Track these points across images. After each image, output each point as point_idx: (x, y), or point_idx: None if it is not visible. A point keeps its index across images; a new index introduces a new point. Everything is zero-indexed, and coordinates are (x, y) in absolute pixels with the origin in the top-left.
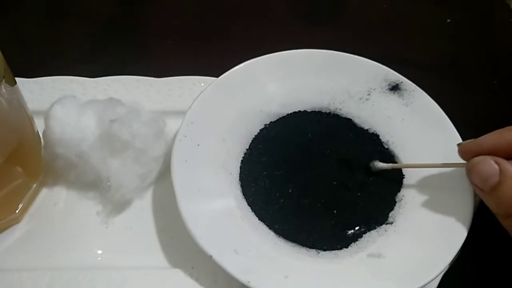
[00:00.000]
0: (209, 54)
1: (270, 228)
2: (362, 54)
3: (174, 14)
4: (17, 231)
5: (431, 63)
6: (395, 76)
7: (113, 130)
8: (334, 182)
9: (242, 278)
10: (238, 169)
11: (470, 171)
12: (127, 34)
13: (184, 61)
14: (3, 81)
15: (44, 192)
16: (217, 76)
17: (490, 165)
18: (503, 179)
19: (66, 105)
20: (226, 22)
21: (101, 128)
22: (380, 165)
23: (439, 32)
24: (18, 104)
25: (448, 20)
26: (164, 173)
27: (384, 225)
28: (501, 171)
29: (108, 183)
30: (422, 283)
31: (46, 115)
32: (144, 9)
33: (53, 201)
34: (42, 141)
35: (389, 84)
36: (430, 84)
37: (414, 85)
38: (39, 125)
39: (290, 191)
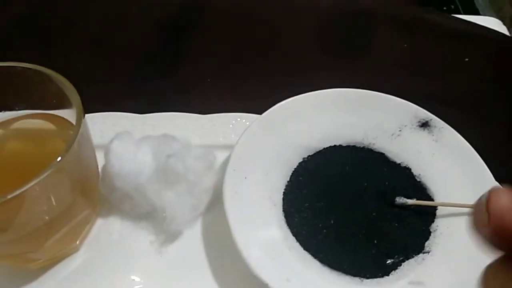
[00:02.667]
0: (244, 91)
1: (315, 258)
2: (387, 89)
3: (212, 53)
4: (76, 260)
5: (451, 98)
6: (425, 114)
7: (169, 165)
8: (373, 214)
9: None
10: (281, 200)
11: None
12: (169, 71)
13: (223, 98)
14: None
15: (100, 222)
16: (254, 112)
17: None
18: None
19: (124, 140)
20: (259, 60)
21: (157, 163)
22: (404, 200)
23: (457, 70)
24: (88, 139)
25: (466, 59)
26: (213, 204)
27: (421, 254)
28: None
29: (164, 214)
30: None
31: (106, 150)
32: (185, 47)
33: (108, 231)
34: (100, 174)
35: (419, 121)
36: (451, 117)
37: (442, 122)
38: None
39: (332, 221)
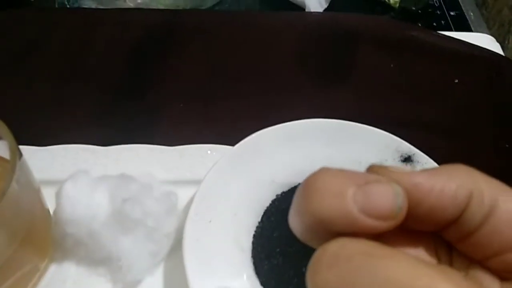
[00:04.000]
0: (216, 119)
1: None
2: (369, 116)
3: (182, 78)
4: None
5: (438, 124)
6: (407, 148)
7: (125, 210)
8: None
9: None
10: (251, 244)
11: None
12: (136, 98)
13: (194, 125)
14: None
15: (53, 268)
16: (227, 143)
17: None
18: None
19: (78, 182)
20: (233, 85)
21: (113, 206)
22: None
23: (446, 92)
24: (28, 182)
25: (456, 81)
26: (175, 249)
27: None
28: None
29: (119, 263)
30: None
31: (57, 194)
32: (152, 72)
33: (62, 279)
34: (52, 218)
35: (401, 156)
36: (438, 146)
37: (426, 157)
38: (51, 196)
39: (303, 269)
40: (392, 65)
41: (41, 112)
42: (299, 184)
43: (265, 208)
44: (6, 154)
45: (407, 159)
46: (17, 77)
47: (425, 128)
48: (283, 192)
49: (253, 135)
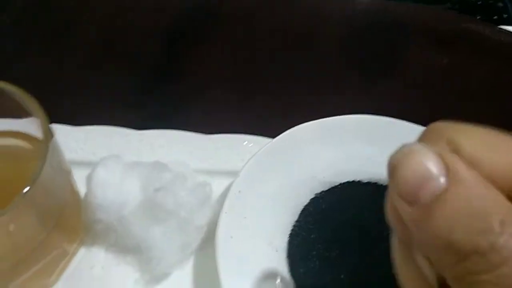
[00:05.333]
0: (253, 109)
1: None
2: (417, 115)
3: (220, 64)
4: None
5: (496, 128)
6: None
7: (158, 200)
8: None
9: None
10: (286, 244)
11: (392, 173)
12: (171, 83)
13: (230, 114)
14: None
15: (81, 253)
16: (264, 135)
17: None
18: (452, 187)
19: (109, 167)
20: (273, 74)
21: (144, 195)
22: None
23: (506, 93)
24: (59, 164)
25: None
26: (206, 242)
27: None
28: (449, 172)
29: (149, 254)
30: None
31: (88, 178)
32: (188, 57)
33: (89, 264)
34: (83, 202)
35: None
36: None
37: None
38: (81, 178)
39: (342, 276)
40: (445, 61)
41: (74, 92)
42: (340, 184)
43: (302, 207)
44: (37, 132)
45: None
46: (51, 57)
47: None
48: (323, 192)
49: (294, 128)
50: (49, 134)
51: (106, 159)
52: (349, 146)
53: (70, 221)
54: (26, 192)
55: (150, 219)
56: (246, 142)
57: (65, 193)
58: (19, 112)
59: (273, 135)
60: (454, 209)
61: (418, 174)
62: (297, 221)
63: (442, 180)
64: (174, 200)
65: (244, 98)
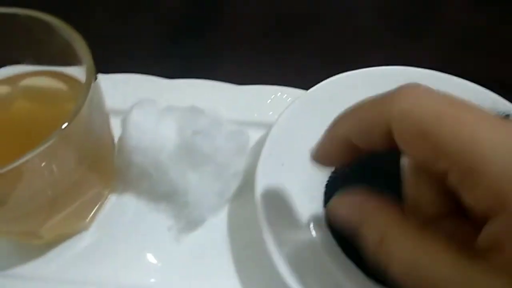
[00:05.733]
0: (286, 62)
1: (359, 268)
2: (456, 73)
3: (253, 17)
4: (85, 240)
5: None
6: (505, 106)
7: (196, 143)
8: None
9: None
10: (322, 195)
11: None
12: (202, 33)
13: (261, 68)
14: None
15: (114, 199)
16: (299, 87)
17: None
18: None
19: (145, 110)
20: (308, 28)
21: (181, 139)
22: None
23: None
24: (100, 105)
25: None
26: (242, 190)
27: None
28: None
29: (186, 199)
30: None
31: (124, 119)
32: (220, 9)
33: (122, 210)
34: (116, 146)
35: (498, 114)
36: None
37: None
38: (113, 125)
39: None
40: (482, 19)
41: (102, 42)
42: None
43: None
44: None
45: (505, 118)
46: (79, 8)
47: None
48: None
49: (334, 77)
50: (93, 72)
51: (142, 102)
52: None
53: (105, 163)
54: (65, 127)
55: (187, 164)
56: (280, 93)
57: (103, 135)
58: (64, 51)
59: (307, 88)
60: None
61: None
62: (333, 172)
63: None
64: (212, 145)
65: (278, 50)
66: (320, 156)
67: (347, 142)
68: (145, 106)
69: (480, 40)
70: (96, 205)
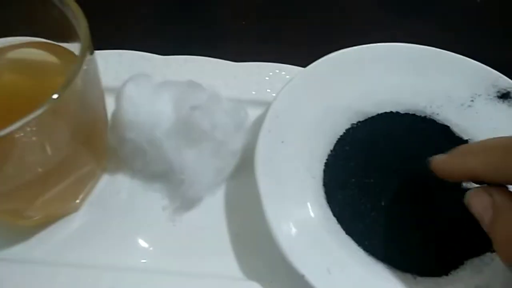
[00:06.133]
0: (287, 39)
1: (359, 245)
2: (456, 51)
3: None
4: (75, 222)
5: None
6: (507, 83)
7: (194, 119)
8: (434, 198)
9: None
10: (322, 173)
11: (468, 205)
12: (199, 9)
13: (261, 44)
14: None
15: (106, 179)
16: (297, 64)
17: (482, 199)
18: (496, 215)
19: (140, 84)
20: (307, 5)
21: (178, 114)
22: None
23: None
24: (95, 79)
25: None
26: (239, 169)
27: (489, 253)
28: (494, 204)
29: (182, 177)
30: None
31: (118, 93)
32: None
33: (115, 190)
34: (109, 122)
35: (498, 91)
36: None
37: None
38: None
39: (382, 203)
40: (478, 1)
41: (95, 18)
42: (377, 114)
43: (338, 136)
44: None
45: (505, 96)
46: None
47: None
48: (359, 122)
49: (332, 54)
50: (88, 42)
51: (136, 76)
52: (388, 75)
53: (98, 140)
54: (57, 98)
55: (184, 140)
56: (278, 70)
57: (97, 111)
58: (60, 22)
59: (305, 65)
60: (497, 231)
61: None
62: (332, 150)
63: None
64: (210, 121)
65: (275, 28)
66: (440, 171)
67: (474, 175)
68: (140, 80)
69: (481, 18)
70: (88, 184)
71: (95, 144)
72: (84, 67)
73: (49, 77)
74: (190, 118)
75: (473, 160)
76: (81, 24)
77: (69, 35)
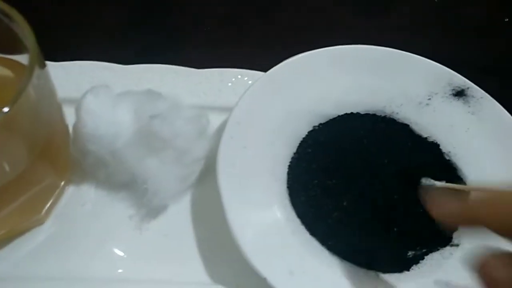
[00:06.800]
0: (247, 44)
1: (323, 245)
2: (414, 51)
3: (212, 0)
4: (41, 234)
5: (487, 65)
6: (461, 81)
7: (154, 128)
8: (394, 196)
9: None
10: (286, 175)
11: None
12: (160, 17)
13: (222, 50)
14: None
15: (71, 190)
16: (259, 69)
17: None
18: None
19: (99, 95)
20: (267, 10)
21: (138, 124)
22: (431, 182)
23: (495, 32)
24: (49, 92)
25: (507, 20)
26: (204, 176)
27: (449, 247)
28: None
29: (145, 186)
30: None
31: (78, 106)
32: None
33: (80, 202)
34: (71, 134)
35: (454, 89)
36: (490, 89)
37: (482, 91)
38: (66, 114)
39: (344, 203)
40: (436, 0)
41: (56, 28)
42: (338, 116)
43: (301, 139)
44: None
45: (460, 93)
46: None
47: (475, 68)
48: (320, 124)
49: (291, 58)
50: (36, 55)
51: (96, 88)
52: (348, 77)
53: (58, 152)
54: (7, 112)
55: (145, 150)
56: (241, 76)
57: (54, 123)
58: (7, 36)
59: (266, 70)
60: None
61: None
62: (295, 153)
63: None
64: (171, 129)
65: (236, 34)
66: (443, 216)
67: (479, 223)
68: (99, 92)
69: (439, 19)
70: (51, 197)
71: (54, 157)
72: (35, 80)
73: (3, 91)
74: (149, 127)
75: (488, 214)
76: (28, 38)
77: (20, 49)
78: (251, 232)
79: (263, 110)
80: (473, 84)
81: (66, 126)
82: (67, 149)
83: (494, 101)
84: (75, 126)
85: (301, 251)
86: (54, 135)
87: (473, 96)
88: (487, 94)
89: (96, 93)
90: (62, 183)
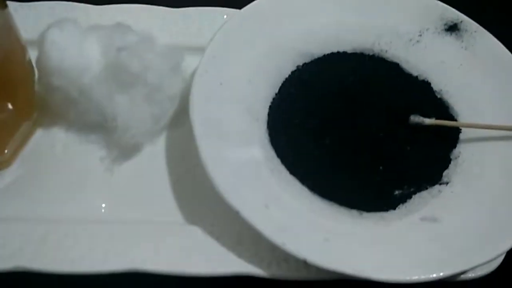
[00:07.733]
0: None
1: (303, 184)
2: None
3: None
4: (7, 176)
5: None
6: (454, 14)
7: (121, 60)
8: (381, 134)
9: (276, 238)
10: (266, 115)
11: None
12: None
13: None
14: None
15: (40, 133)
16: (238, 7)
17: None
18: None
19: (65, 28)
20: None
21: (107, 58)
22: (420, 119)
23: None
24: (8, 27)
25: None
26: (180, 116)
27: (437, 185)
28: None
29: (115, 123)
30: (486, 258)
31: (41, 39)
32: None
33: (49, 144)
34: (36, 71)
35: (446, 24)
36: (485, 21)
37: (476, 24)
38: (34, 55)
39: (327, 141)
40: None
41: None
42: (323, 55)
43: (283, 79)
44: None
45: (453, 28)
46: None
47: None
48: (305, 64)
49: None
50: None
51: (61, 21)
52: (333, 13)
53: (19, 88)
54: None
55: (114, 86)
56: (219, 14)
57: (14, 58)
58: None
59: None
60: None
61: None
62: (277, 93)
63: None
64: (140, 62)
65: None
66: None
67: None
68: (65, 25)
69: None
70: (12, 135)
71: (14, 92)
72: None
73: None
74: (117, 60)
75: None
76: None
77: None
78: (227, 170)
79: (241, 46)
80: (466, 17)
81: (30, 63)
82: (30, 86)
83: (489, 34)
84: (38, 60)
85: (279, 189)
86: (12, 69)
87: (466, 30)
88: (481, 27)
89: (62, 26)
90: (25, 122)
